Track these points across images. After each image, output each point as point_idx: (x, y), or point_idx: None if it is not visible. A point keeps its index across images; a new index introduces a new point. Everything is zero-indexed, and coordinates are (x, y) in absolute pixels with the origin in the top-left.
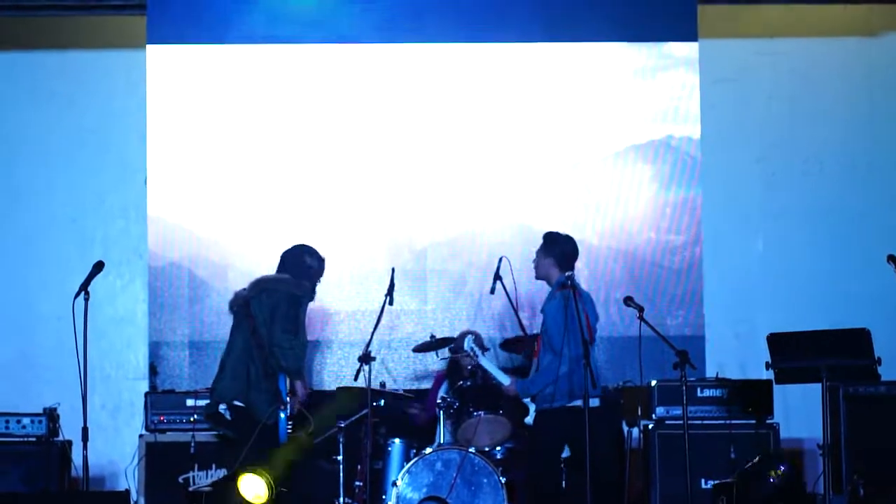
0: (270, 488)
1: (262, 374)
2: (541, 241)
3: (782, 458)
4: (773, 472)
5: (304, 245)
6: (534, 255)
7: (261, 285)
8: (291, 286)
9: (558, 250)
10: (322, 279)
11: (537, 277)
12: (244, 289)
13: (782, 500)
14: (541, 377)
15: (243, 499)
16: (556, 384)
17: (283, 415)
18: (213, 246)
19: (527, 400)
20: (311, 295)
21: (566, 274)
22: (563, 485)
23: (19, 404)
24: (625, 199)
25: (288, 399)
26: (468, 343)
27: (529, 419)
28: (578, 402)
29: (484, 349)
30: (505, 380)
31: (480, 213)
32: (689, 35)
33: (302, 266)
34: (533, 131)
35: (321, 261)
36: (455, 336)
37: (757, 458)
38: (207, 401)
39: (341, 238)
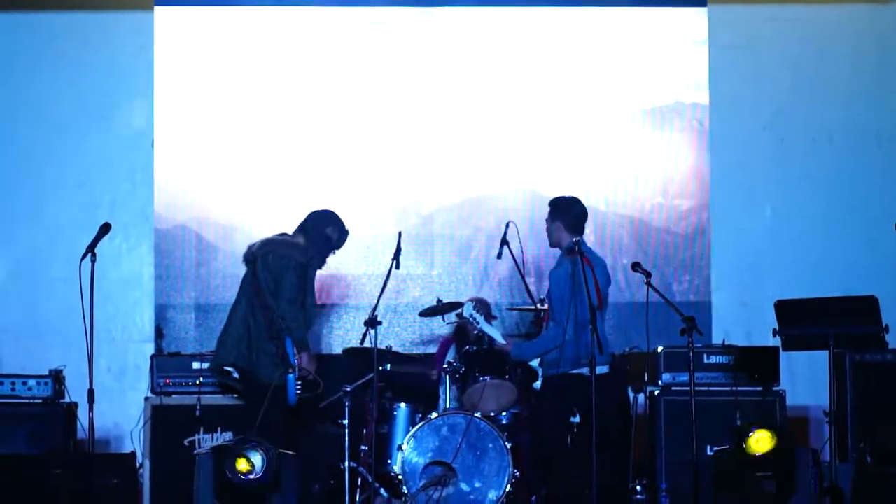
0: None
1: (264, 336)
2: (548, 209)
3: (752, 424)
4: (748, 443)
5: (331, 213)
6: (541, 222)
7: (268, 247)
8: (298, 253)
9: (566, 214)
10: (338, 251)
11: (551, 245)
12: (255, 242)
13: (769, 463)
14: (539, 343)
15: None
16: (561, 350)
17: (291, 377)
18: (219, 208)
19: (535, 364)
20: (318, 263)
21: (573, 239)
22: (569, 450)
23: (25, 366)
24: (633, 164)
25: (296, 362)
26: (467, 310)
27: (537, 384)
28: (584, 370)
29: (492, 317)
30: (506, 344)
31: (488, 178)
32: (698, 0)
33: (321, 234)
34: (541, 96)
35: (343, 233)
36: (462, 301)
37: (733, 440)
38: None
39: (348, 201)
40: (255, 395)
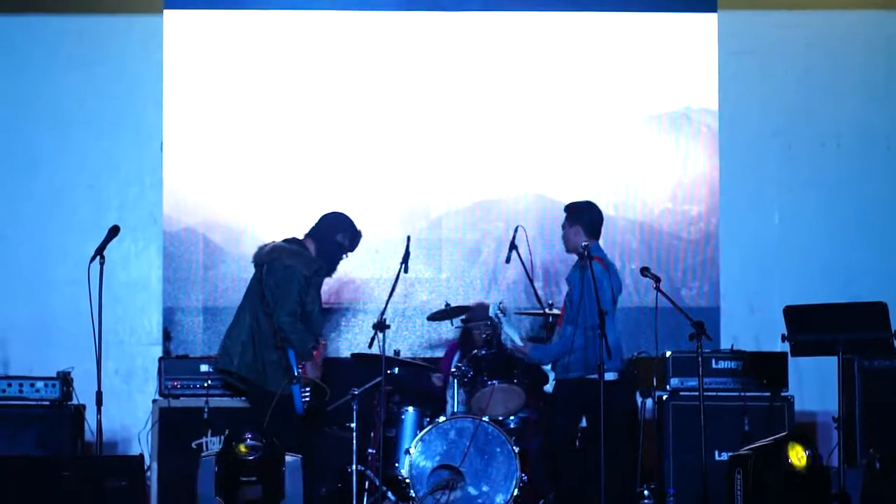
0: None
1: (269, 344)
2: (563, 214)
3: (807, 442)
4: (795, 457)
5: (343, 218)
6: (550, 226)
7: (275, 254)
8: (303, 265)
9: (585, 218)
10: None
11: (568, 251)
12: (266, 245)
13: (801, 483)
14: (555, 347)
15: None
16: (571, 355)
17: (295, 387)
18: (228, 212)
19: (547, 368)
20: (328, 270)
21: (583, 244)
22: (577, 454)
23: (33, 368)
24: (642, 169)
25: (299, 372)
26: (493, 309)
27: (549, 387)
28: (596, 375)
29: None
30: (524, 347)
31: (497, 183)
32: (708, 6)
33: (332, 241)
34: (550, 101)
35: (355, 237)
36: (469, 305)
37: (780, 436)
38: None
39: (357, 205)
40: (264, 405)
